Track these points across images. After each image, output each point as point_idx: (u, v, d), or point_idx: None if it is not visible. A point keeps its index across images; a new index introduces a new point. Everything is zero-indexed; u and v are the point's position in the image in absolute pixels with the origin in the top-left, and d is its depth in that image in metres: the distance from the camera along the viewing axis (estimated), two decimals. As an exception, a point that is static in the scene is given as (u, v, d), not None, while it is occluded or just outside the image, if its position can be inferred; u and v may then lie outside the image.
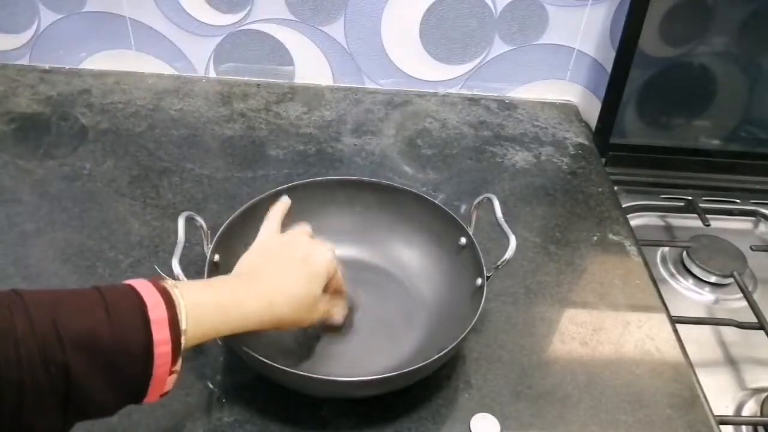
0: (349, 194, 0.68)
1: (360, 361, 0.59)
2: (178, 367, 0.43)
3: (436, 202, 0.67)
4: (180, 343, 0.42)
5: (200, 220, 0.59)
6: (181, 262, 0.54)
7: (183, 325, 0.42)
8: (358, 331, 0.62)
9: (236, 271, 0.54)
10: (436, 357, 0.52)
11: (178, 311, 0.42)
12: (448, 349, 0.52)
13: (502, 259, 0.59)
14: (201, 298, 0.46)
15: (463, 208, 0.77)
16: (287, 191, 0.65)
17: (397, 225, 0.68)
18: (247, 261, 0.55)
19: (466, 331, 0.54)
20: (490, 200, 0.63)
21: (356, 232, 0.68)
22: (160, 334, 0.41)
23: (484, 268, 0.60)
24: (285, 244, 0.56)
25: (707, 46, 0.86)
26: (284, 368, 0.51)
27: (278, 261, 0.54)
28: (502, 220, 0.62)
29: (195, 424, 0.54)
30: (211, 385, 0.57)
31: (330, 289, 0.56)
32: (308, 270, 0.53)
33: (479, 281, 0.59)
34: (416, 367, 0.51)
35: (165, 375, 0.42)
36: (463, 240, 0.63)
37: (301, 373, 0.51)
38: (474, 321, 0.55)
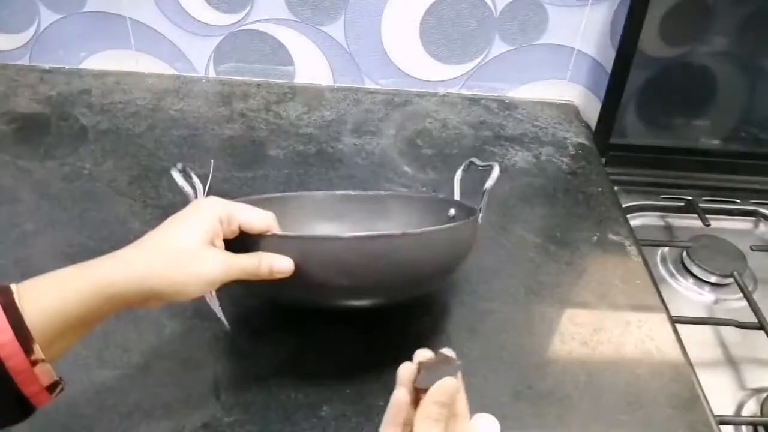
0: (337, 208, 0.68)
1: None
2: (38, 355, 0.38)
3: (419, 194, 0.67)
4: (25, 329, 0.38)
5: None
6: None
7: (20, 307, 0.38)
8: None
9: None
10: (456, 224, 0.54)
11: (14, 297, 0.38)
12: (466, 221, 0.55)
13: (486, 185, 0.60)
14: (40, 278, 0.41)
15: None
16: (279, 201, 0.65)
17: (391, 227, 0.68)
18: None
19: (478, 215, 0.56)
20: (473, 163, 0.65)
21: None
22: None
23: (475, 207, 0.61)
24: None
25: (707, 46, 0.86)
26: (287, 234, 0.51)
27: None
28: (482, 164, 0.64)
29: (195, 425, 0.53)
30: (211, 386, 0.57)
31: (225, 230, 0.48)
32: (178, 222, 0.47)
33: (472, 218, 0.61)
34: (435, 228, 0.53)
35: (24, 367, 0.38)
36: (452, 210, 0.65)
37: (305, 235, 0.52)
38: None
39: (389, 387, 0.57)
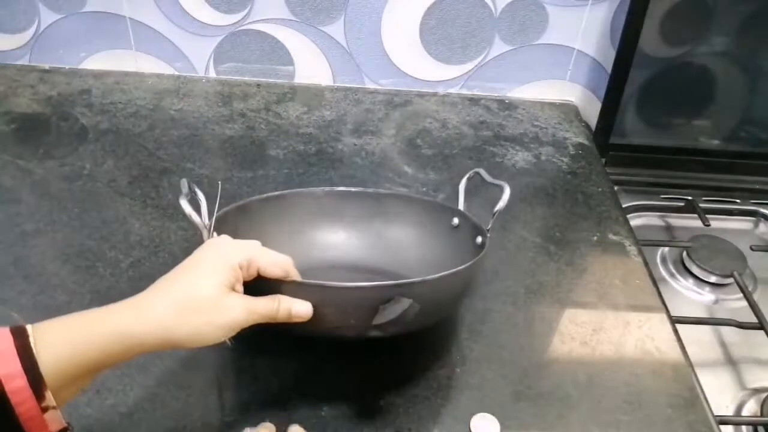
0: (337, 206, 0.68)
1: None
2: (50, 402, 0.38)
3: (422, 197, 0.67)
4: (39, 375, 0.37)
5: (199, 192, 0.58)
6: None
7: (35, 351, 0.38)
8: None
9: None
10: (457, 269, 0.52)
11: (30, 340, 0.38)
12: (468, 264, 0.53)
13: (497, 207, 0.59)
14: (56, 321, 0.41)
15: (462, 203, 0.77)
16: (275, 198, 0.65)
17: (389, 227, 0.68)
18: None
19: (479, 256, 0.55)
20: (478, 173, 0.65)
21: (350, 239, 0.68)
22: (7, 367, 0.37)
23: (482, 227, 0.60)
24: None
25: (707, 46, 0.86)
26: (302, 281, 0.50)
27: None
28: (492, 180, 0.63)
29: (195, 424, 0.54)
30: (211, 385, 0.57)
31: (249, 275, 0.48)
32: (198, 268, 0.46)
33: (479, 239, 0.60)
34: (438, 275, 0.51)
35: (35, 413, 0.37)
36: (456, 220, 0.65)
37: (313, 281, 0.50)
38: (482, 255, 0.56)
39: (389, 386, 0.58)
